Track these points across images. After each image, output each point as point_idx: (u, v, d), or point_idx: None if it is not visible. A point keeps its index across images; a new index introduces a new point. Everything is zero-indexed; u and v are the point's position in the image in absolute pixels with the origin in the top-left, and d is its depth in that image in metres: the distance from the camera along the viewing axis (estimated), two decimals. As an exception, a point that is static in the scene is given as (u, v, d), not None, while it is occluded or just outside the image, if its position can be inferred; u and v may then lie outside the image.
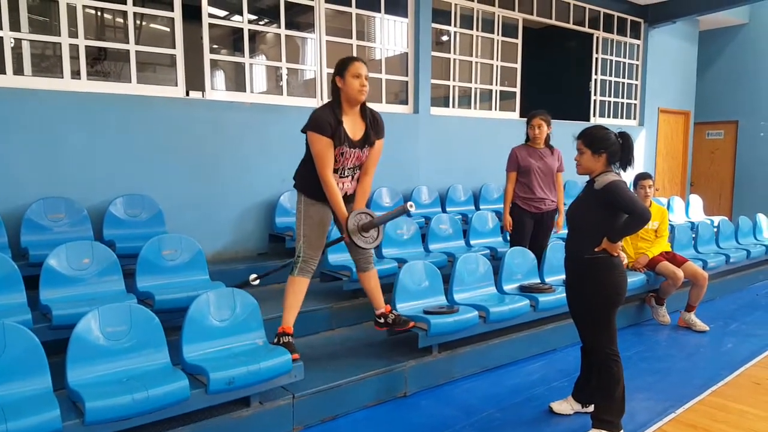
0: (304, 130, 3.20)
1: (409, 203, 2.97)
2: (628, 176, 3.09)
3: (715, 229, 6.63)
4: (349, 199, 3.32)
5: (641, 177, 5.06)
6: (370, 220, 3.21)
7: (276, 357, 2.85)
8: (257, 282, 3.74)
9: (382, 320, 3.53)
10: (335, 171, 3.20)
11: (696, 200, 8.27)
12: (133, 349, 2.69)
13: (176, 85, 4.77)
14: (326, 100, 5.56)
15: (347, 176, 3.29)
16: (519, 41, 7.36)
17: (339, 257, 4.42)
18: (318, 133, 3.10)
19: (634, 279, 4.79)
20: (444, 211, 6.19)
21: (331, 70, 5.60)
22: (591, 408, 3.12)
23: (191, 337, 2.87)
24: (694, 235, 6.29)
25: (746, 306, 5.81)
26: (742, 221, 6.99)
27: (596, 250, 2.89)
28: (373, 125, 3.30)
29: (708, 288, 5.06)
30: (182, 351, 2.82)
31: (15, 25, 4.11)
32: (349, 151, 3.20)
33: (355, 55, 5.75)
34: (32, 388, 2.39)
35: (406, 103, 6.34)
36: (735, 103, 10.21)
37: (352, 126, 3.22)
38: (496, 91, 7.23)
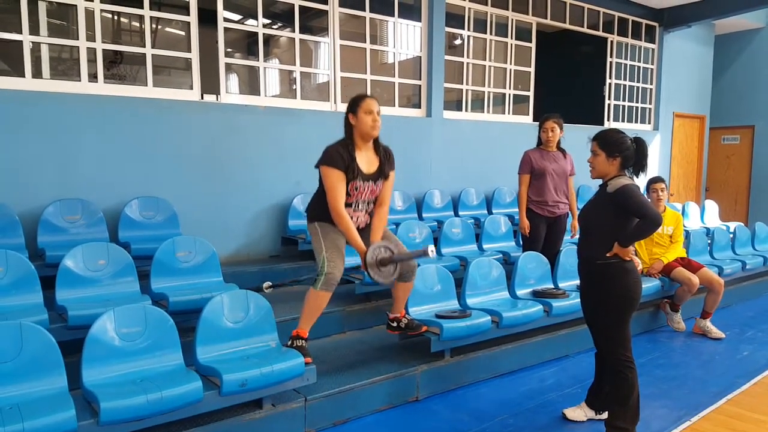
0: (317, 165, 3.26)
1: (430, 248, 3.01)
2: (640, 182, 3.06)
3: (731, 235, 6.55)
4: (361, 232, 3.34)
5: (653, 181, 5.04)
6: (390, 255, 3.22)
7: (289, 360, 2.86)
8: (270, 290, 3.76)
9: (394, 324, 3.54)
10: (348, 205, 3.25)
11: (711, 206, 8.18)
12: (148, 350, 2.71)
13: (191, 89, 4.81)
14: (339, 103, 5.63)
15: (361, 210, 3.34)
16: (533, 45, 7.34)
17: (350, 260, 4.39)
18: (331, 166, 3.16)
19: (649, 285, 4.74)
20: (456, 214, 6.17)
21: (345, 74, 5.68)
22: (605, 415, 3.09)
23: (205, 339, 2.88)
24: (709, 241, 6.21)
25: (763, 313, 5.73)
26: (758, 227, 6.90)
27: (608, 255, 2.87)
28: (386, 159, 3.37)
29: (724, 295, 5.00)
30: (196, 352, 2.84)
31: (34, 29, 4.17)
32: (363, 185, 3.26)
33: (368, 59, 5.79)
34: (48, 387, 2.42)
35: (419, 107, 6.34)
36: (751, 107, 10.08)
37: (366, 161, 3.28)
38: (510, 94, 7.20)
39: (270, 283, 3.75)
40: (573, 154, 4.94)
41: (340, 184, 3.16)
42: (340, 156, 3.16)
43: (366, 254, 3.14)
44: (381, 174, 3.33)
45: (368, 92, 5.85)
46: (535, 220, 4.71)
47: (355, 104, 3.24)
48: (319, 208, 3.31)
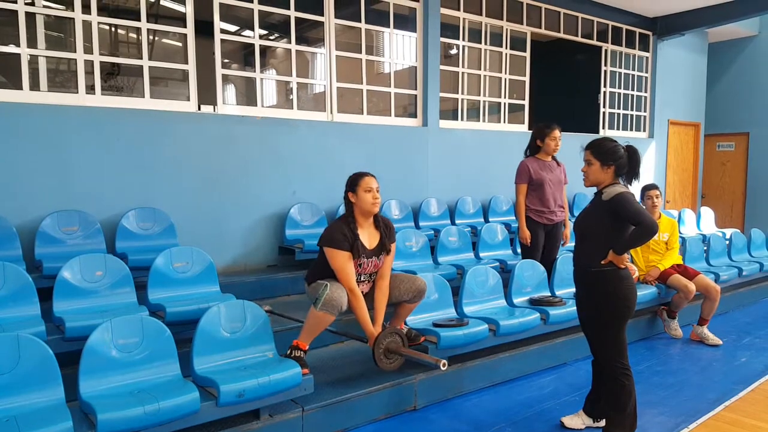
0: (320, 245, 3.32)
1: (443, 362, 3.06)
2: (633, 189, 3.09)
3: (727, 242, 6.57)
4: (364, 297, 3.39)
5: (648, 188, 5.07)
6: (398, 346, 3.28)
7: (286, 370, 2.86)
8: (269, 315, 3.76)
9: (392, 334, 3.55)
10: None
11: (707, 213, 8.21)
12: (145, 361, 2.72)
13: (188, 100, 4.84)
14: (335, 113, 5.66)
15: (363, 281, 3.42)
16: (527, 54, 7.39)
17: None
18: (337, 248, 3.22)
19: (646, 292, 4.76)
20: (453, 223, 6.19)
21: (341, 84, 5.71)
22: (603, 423, 3.09)
23: (202, 349, 2.88)
24: (705, 248, 6.24)
25: (760, 319, 5.74)
26: (754, 233, 6.93)
27: (602, 262, 2.89)
28: (387, 233, 3.44)
29: (720, 301, 5.01)
30: (193, 363, 2.84)
31: (32, 42, 4.20)
32: (366, 262, 3.34)
33: (363, 69, 5.83)
34: (45, 399, 2.42)
35: (415, 116, 6.37)
36: (746, 114, 10.15)
37: (368, 237, 3.36)
38: (505, 103, 7.25)
39: (270, 308, 3.77)
40: (569, 163, 4.97)
41: (349, 264, 3.25)
42: (344, 236, 3.24)
43: (375, 341, 3.22)
44: (383, 248, 3.41)
45: (364, 102, 5.89)
46: (534, 228, 4.72)
47: (354, 183, 3.33)
48: (322, 274, 3.36)
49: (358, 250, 3.27)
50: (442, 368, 3.07)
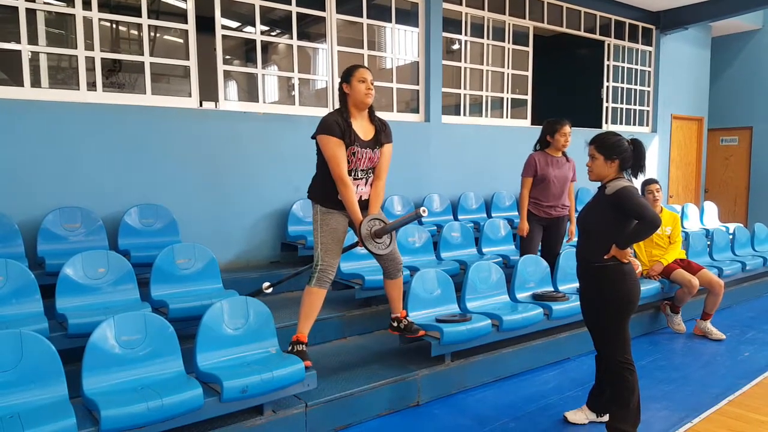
0: (314, 136, 3.26)
1: (421, 208, 3.04)
2: (638, 183, 3.07)
3: (731, 237, 6.55)
4: (364, 204, 3.33)
5: (648, 182, 5.05)
6: (383, 226, 3.25)
7: (289, 365, 2.86)
8: (270, 290, 3.77)
9: (395, 324, 3.55)
10: (349, 173, 3.24)
11: (711, 207, 8.18)
12: (148, 357, 2.72)
13: (190, 96, 4.83)
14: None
15: (361, 178, 3.32)
16: (530, 49, 7.36)
17: (351, 265, 4.42)
18: (327, 134, 3.17)
19: (649, 287, 4.75)
20: (456, 218, 6.18)
21: (343, 80, 5.68)
22: (606, 417, 3.09)
23: (205, 346, 2.88)
24: (709, 243, 6.22)
25: (763, 314, 5.72)
26: (758, 228, 6.90)
27: (605, 257, 2.88)
28: (382, 128, 3.38)
29: (724, 296, 5.00)
30: (196, 359, 2.84)
31: (32, 39, 4.20)
32: (360, 151, 3.25)
33: (366, 64, 5.80)
34: (48, 395, 2.42)
35: (418, 112, 6.36)
36: (749, 108, 10.11)
37: (362, 129, 3.29)
38: (508, 98, 7.23)
39: (269, 284, 3.76)
40: (573, 160, 4.93)
41: (340, 150, 3.17)
42: (336, 123, 3.18)
43: (361, 227, 3.17)
44: (378, 142, 3.34)
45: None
46: (531, 221, 4.70)
47: (348, 74, 3.28)
48: (320, 185, 3.31)
49: (350, 136, 3.19)
50: (423, 214, 3.03)
